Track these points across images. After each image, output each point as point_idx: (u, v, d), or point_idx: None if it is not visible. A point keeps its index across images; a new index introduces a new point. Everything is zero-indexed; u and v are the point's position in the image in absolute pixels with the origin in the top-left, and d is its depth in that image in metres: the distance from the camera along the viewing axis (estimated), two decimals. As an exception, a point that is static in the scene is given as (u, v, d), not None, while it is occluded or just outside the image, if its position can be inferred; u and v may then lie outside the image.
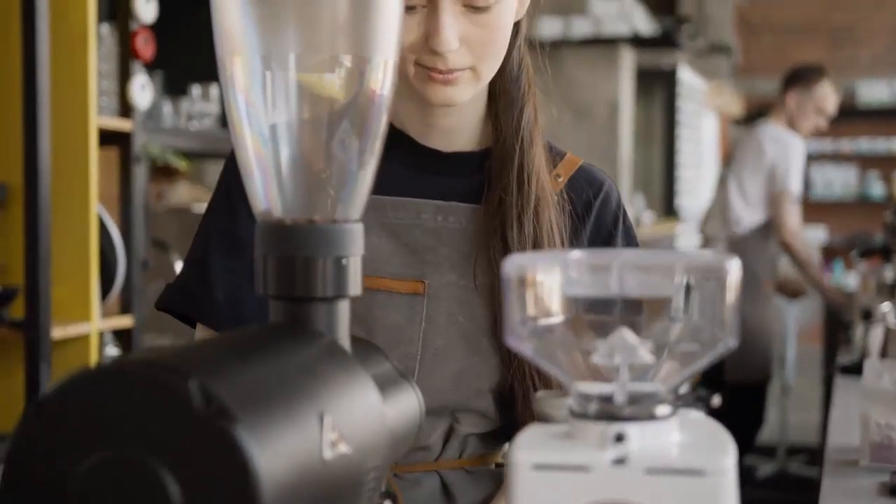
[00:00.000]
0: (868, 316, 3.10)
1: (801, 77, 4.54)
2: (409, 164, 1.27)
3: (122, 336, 3.07)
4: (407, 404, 0.80)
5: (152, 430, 0.57)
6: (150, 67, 3.15)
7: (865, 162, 9.89)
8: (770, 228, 4.48)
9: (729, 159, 4.86)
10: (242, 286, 1.21)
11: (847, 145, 9.79)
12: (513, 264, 0.68)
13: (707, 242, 4.77)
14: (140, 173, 3.04)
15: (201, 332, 1.26)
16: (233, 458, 0.55)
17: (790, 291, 4.95)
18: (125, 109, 3.00)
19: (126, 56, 3.01)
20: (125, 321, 3.01)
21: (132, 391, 0.57)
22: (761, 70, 9.63)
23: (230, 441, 0.55)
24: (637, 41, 6.11)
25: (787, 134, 4.50)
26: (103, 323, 2.91)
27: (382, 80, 0.73)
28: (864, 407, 1.72)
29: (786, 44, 9.89)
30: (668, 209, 7.50)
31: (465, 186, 1.28)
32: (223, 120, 3.53)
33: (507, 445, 1.33)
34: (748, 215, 4.49)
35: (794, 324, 5.63)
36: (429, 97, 1.20)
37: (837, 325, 4.44)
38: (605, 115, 6.00)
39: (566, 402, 0.69)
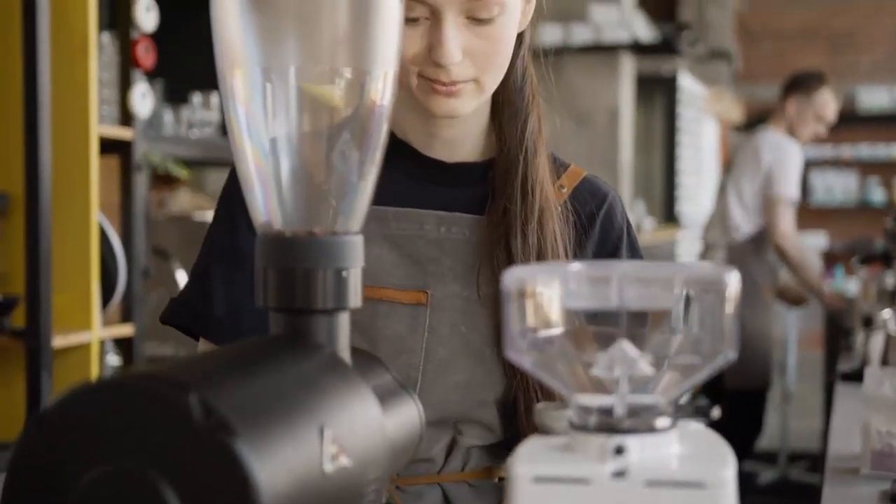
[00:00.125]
0: (869, 323, 3.10)
1: (800, 84, 4.53)
2: (412, 175, 1.27)
3: (122, 344, 3.07)
4: (407, 415, 0.80)
5: (153, 444, 0.57)
6: (151, 76, 3.15)
7: (866, 168, 9.91)
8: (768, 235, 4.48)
9: (729, 166, 4.87)
10: (243, 299, 1.21)
11: (848, 151, 9.80)
12: (512, 277, 0.68)
13: (707, 249, 4.77)
14: (141, 182, 3.05)
15: (204, 345, 1.26)
16: (233, 471, 0.55)
17: (792, 299, 4.94)
18: (126, 118, 3.01)
19: (127, 64, 3.01)
20: (126, 329, 3.01)
21: (133, 404, 0.58)
22: (761, 76, 9.64)
23: (230, 454, 0.55)
24: (637, 48, 6.12)
25: (785, 140, 4.49)
26: (104, 331, 2.91)
27: (382, 91, 0.74)
28: (865, 415, 1.72)
29: (786, 50, 9.90)
30: (669, 216, 7.50)
31: (469, 197, 1.28)
32: (224, 128, 3.53)
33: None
34: (747, 222, 4.49)
35: (795, 330, 5.63)
36: (432, 109, 1.19)
37: (838, 331, 4.44)
38: (606, 121, 6.00)
39: (566, 414, 0.69)
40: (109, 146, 2.96)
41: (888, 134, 9.70)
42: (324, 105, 0.73)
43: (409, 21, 1.14)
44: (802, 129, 4.52)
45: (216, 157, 3.57)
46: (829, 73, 4.98)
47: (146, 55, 3.02)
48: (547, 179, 1.27)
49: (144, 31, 3.02)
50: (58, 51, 2.72)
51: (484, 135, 1.30)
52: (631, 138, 6.31)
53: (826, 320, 5.16)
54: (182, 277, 3.31)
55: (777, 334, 4.95)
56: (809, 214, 9.68)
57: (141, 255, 3.06)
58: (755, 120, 5.89)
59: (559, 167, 1.33)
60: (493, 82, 1.21)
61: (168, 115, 3.36)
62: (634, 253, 1.34)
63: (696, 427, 0.70)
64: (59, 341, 2.68)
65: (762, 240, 4.48)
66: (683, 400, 0.71)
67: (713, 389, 4.22)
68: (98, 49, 2.88)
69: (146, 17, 3.00)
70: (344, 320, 0.73)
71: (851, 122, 9.20)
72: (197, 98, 3.51)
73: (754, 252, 4.45)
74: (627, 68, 6.13)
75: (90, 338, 2.82)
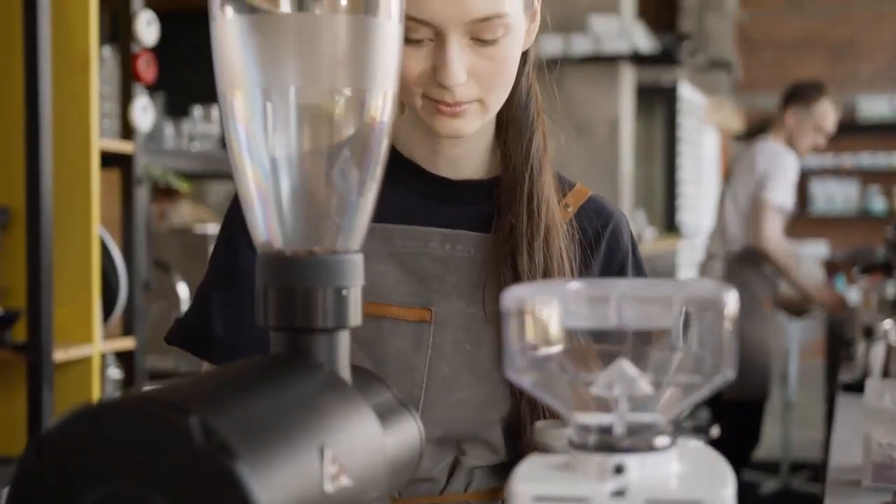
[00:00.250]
0: (870, 333, 3.10)
1: (799, 95, 4.52)
2: (417, 192, 1.28)
3: (123, 358, 3.07)
4: (407, 433, 0.80)
5: (153, 467, 0.57)
6: (152, 89, 3.16)
7: (867, 177, 9.91)
8: None
9: (728, 177, 4.87)
10: (244, 319, 1.21)
11: (848, 160, 9.80)
12: (512, 296, 0.68)
13: (708, 260, 4.77)
14: (142, 195, 3.05)
15: (209, 365, 1.27)
16: (234, 494, 0.56)
17: (794, 309, 4.92)
18: (127, 131, 3.01)
19: (128, 78, 3.02)
20: (127, 343, 3.02)
21: (133, 427, 0.58)
22: (762, 85, 9.65)
23: (231, 477, 0.56)
24: (637, 58, 6.13)
25: (782, 149, 4.48)
26: (105, 345, 2.91)
27: (382, 110, 0.74)
28: (866, 427, 1.72)
29: (786, 59, 9.91)
30: (670, 225, 7.50)
31: (474, 215, 1.28)
32: (224, 141, 3.54)
33: None
34: (744, 233, 4.48)
35: (797, 339, 5.63)
36: (437, 129, 1.19)
37: (839, 341, 4.43)
38: (606, 132, 6.01)
39: (566, 433, 0.69)
40: (110, 160, 2.97)
41: (889, 143, 9.70)
42: (324, 124, 0.73)
43: (414, 42, 1.14)
44: (802, 139, 4.51)
45: (217, 169, 3.58)
46: (830, 81, 4.99)
47: (147, 69, 3.03)
48: (552, 197, 1.27)
49: (145, 45, 3.03)
50: (59, 65, 2.73)
51: (489, 152, 1.30)
52: (631, 148, 6.31)
53: (827, 330, 5.15)
54: (183, 290, 3.32)
55: (778, 344, 4.94)
56: (810, 223, 9.69)
57: (142, 269, 3.06)
58: (755, 129, 5.90)
59: (564, 185, 1.33)
60: (497, 102, 1.21)
61: (169, 129, 3.37)
62: (640, 275, 1.34)
63: (696, 445, 0.71)
64: (60, 355, 2.69)
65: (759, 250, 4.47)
66: (684, 416, 0.72)
67: (711, 400, 4.22)
68: (99, 63, 2.89)
69: (147, 31, 3.01)
70: (344, 339, 0.73)
71: (852, 130, 9.21)
72: (198, 111, 3.52)
73: (752, 262, 4.44)
74: (628, 79, 6.14)
75: (91, 351, 2.82)
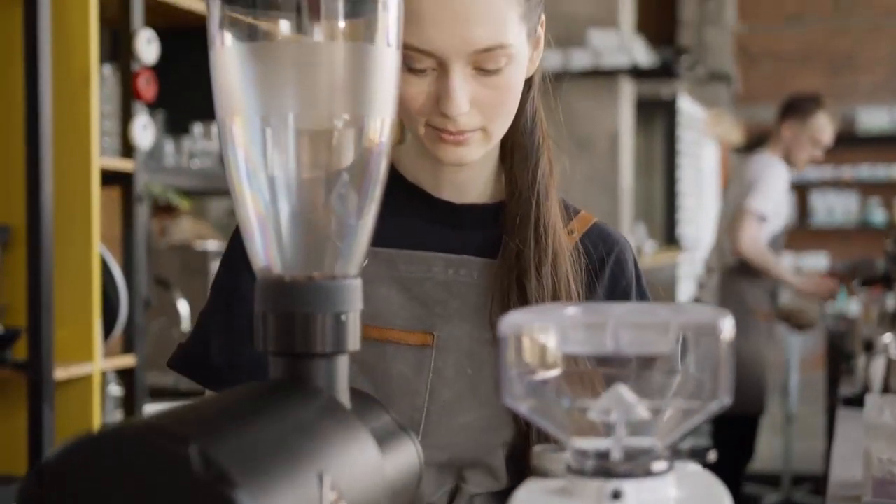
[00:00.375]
0: (870, 347, 3.10)
1: (796, 108, 4.52)
2: (422, 217, 1.28)
3: (124, 375, 3.08)
4: (406, 457, 0.80)
5: (153, 495, 0.57)
6: (152, 107, 3.17)
7: (866, 188, 9.92)
8: None
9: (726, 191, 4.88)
10: (243, 345, 1.21)
11: (848, 172, 9.82)
12: (509, 323, 0.69)
13: (707, 273, 4.77)
14: (142, 213, 3.06)
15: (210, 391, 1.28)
16: (233, 522, 0.56)
17: (796, 322, 4.91)
18: (127, 149, 3.02)
19: (128, 97, 3.03)
20: (127, 360, 3.02)
21: (133, 456, 0.58)
22: (761, 98, 9.66)
23: (230, 506, 0.56)
24: (637, 72, 6.14)
25: (774, 160, 4.48)
26: (106, 362, 2.91)
27: (380, 135, 0.74)
28: (866, 442, 1.73)
29: (785, 71, 9.93)
30: (670, 238, 7.51)
31: (478, 239, 1.28)
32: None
33: None
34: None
35: (797, 352, 5.63)
36: (440, 157, 1.20)
37: (839, 354, 4.43)
38: (606, 145, 6.02)
39: (564, 457, 0.69)
40: (111, 178, 2.97)
41: (888, 155, 9.71)
42: (322, 150, 0.74)
43: (417, 72, 1.14)
44: (799, 152, 4.51)
45: (217, 186, 3.59)
46: (829, 94, 5.00)
47: (147, 87, 3.03)
48: (559, 223, 1.27)
49: (145, 64, 3.03)
50: (59, 83, 2.74)
51: (493, 177, 1.30)
52: (631, 162, 6.32)
53: (827, 343, 5.15)
54: (183, 307, 3.32)
55: (777, 357, 4.94)
56: (810, 235, 9.70)
57: (142, 286, 3.07)
58: (755, 141, 5.89)
59: (569, 211, 1.33)
60: (500, 130, 1.21)
61: (169, 146, 3.37)
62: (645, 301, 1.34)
63: (693, 468, 0.71)
64: (60, 373, 2.69)
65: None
66: (680, 440, 0.72)
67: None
68: (99, 81, 2.90)
69: (147, 49, 3.02)
70: (343, 364, 0.74)
71: (851, 142, 9.23)
72: (198, 128, 3.52)
73: (747, 276, 4.44)
74: (627, 92, 6.15)
75: (92, 369, 2.83)
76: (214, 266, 3.30)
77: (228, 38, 0.72)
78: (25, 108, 2.64)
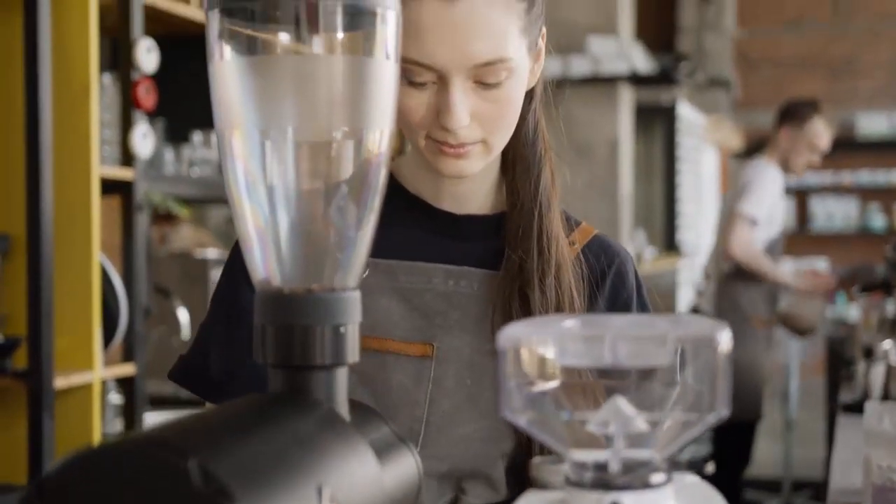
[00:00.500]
0: (870, 353, 3.10)
1: (793, 114, 4.52)
2: (422, 228, 1.28)
3: (124, 384, 3.08)
4: (405, 468, 0.80)
5: (153, 509, 0.57)
6: (152, 115, 3.17)
7: (866, 194, 9.92)
8: None
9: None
10: (242, 357, 1.21)
11: (848, 177, 9.82)
12: (508, 335, 0.69)
13: (706, 279, 4.78)
14: (142, 221, 3.06)
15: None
16: (232, 536, 0.56)
17: (797, 328, 4.90)
18: (127, 158, 3.02)
19: (128, 105, 3.03)
20: (128, 369, 3.02)
21: (132, 469, 0.58)
22: (760, 103, 9.66)
23: (230, 520, 0.56)
24: (636, 79, 6.15)
25: (769, 165, 4.48)
26: (106, 371, 2.91)
27: (379, 147, 0.75)
28: (866, 450, 1.72)
29: (785, 77, 9.93)
30: (670, 244, 7.51)
31: (479, 250, 1.28)
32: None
33: None
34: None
35: (797, 357, 5.63)
36: (440, 169, 1.20)
37: (840, 360, 4.44)
38: (606, 152, 6.03)
39: (563, 469, 0.69)
40: (111, 186, 2.97)
41: (888, 160, 9.71)
42: (321, 163, 0.74)
43: (417, 85, 1.15)
44: (796, 158, 4.51)
45: (217, 195, 3.59)
46: (828, 99, 5.00)
47: (147, 96, 3.04)
48: (561, 234, 1.28)
49: (145, 73, 3.04)
50: (59, 92, 2.74)
51: (494, 188, 1.31)
52: (631, 168, 6.33)
53: (827, 348, 5.15)
54: (183, 315, 3.32)
55: (777, 362, 4.94)
56: (809, 241, 9.69)
57: (142, 295, 3.07)
58: (755, 147, 5.89)
59: (570, 223, 1.33)
60: (501, 143, 1.22)
61: (169, 154, 3.37)
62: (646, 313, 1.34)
63: (692, 480, 0.71)
64: (60, 382, 2.69)
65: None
66: (678, 452, 0.72)
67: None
68: (99, 90, 2.90)
69: (147, 58, 3.02)
70: (342, 375, 0.74)
71: (851, 148, 9.23)
72: (197, 136, 3.53)
73: (743, 280, 4.44)
74: (626, 99, 6.16)
75: (92, 378, 2.83)
76: (214, 274, 3.30)
77: (227, 51, 0.73)
78: (25, 117, 2.64)
